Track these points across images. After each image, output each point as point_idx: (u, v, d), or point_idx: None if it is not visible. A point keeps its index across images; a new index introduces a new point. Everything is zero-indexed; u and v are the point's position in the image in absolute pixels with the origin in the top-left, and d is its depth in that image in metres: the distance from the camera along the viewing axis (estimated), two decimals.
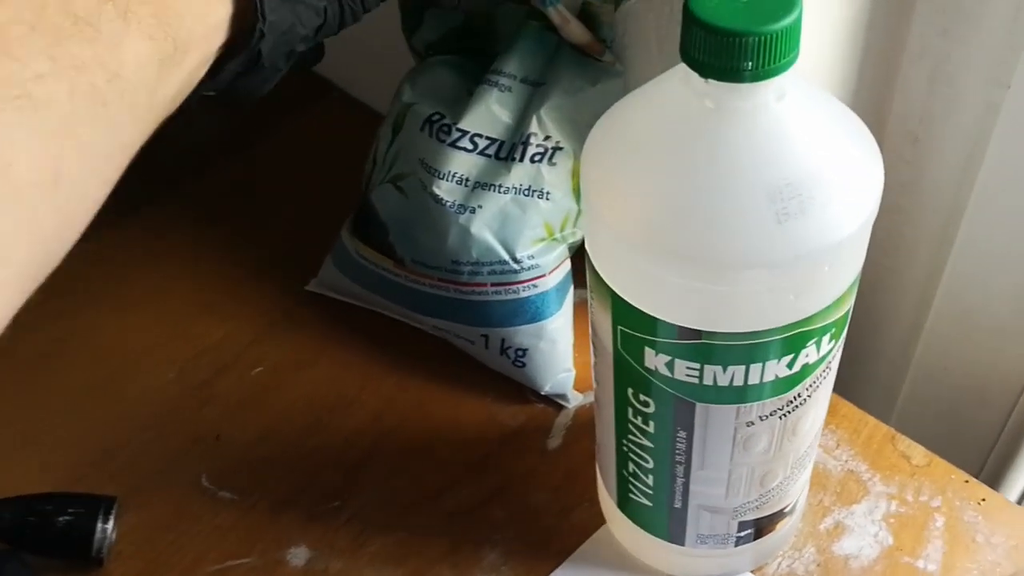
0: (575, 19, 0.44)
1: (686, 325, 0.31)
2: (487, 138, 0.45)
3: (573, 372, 0.48)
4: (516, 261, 0.45)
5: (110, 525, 0.43)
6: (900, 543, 0.43)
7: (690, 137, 0.29)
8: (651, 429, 0.35)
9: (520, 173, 0.45)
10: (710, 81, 0.28)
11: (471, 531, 0.44)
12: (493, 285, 0.46)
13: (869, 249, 0.53)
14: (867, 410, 0.47)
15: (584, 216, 0.33)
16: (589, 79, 0.45)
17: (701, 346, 0.31)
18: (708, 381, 0.32)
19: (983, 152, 0.47)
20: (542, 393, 0.48)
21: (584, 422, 0.47)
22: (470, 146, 0.46)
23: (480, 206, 0.45)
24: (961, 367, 0.55)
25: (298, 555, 0.44)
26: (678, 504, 0.38)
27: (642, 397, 0.34)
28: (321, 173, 0.59)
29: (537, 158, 0.45)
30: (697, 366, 0.32)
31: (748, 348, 0.31)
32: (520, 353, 0.47)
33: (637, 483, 0.38)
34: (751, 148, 0.28)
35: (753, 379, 0.32)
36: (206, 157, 0.60)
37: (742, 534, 0.39)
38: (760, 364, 0.31)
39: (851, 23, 0.45)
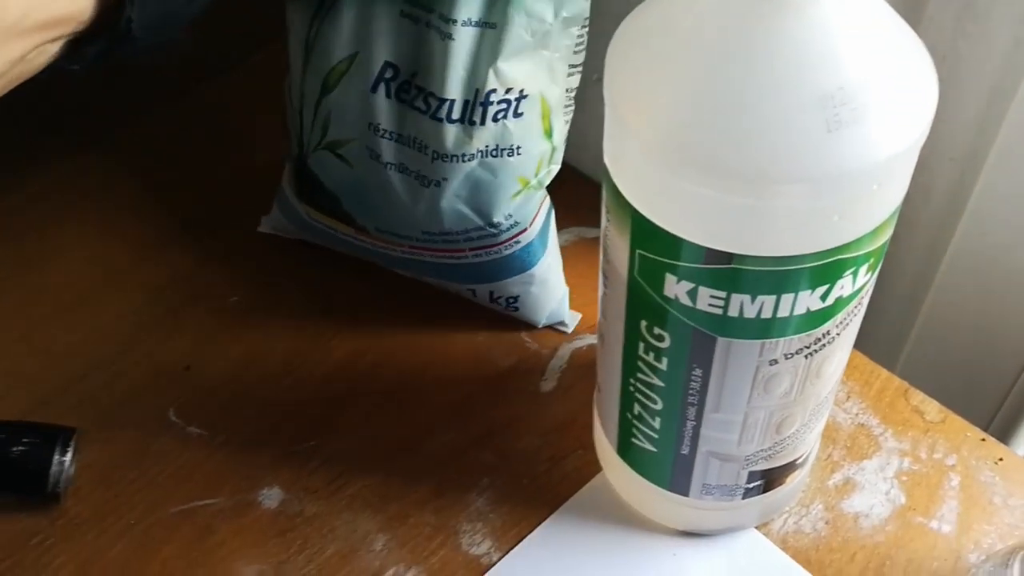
0: None
1: (715, 247, 0.28)
2: (438, 99, 0.38)
3: (567, 291, 0.46)
4: (493, 226, 0.41)
5: (68, 458, 0.40)
6: (913, 502, 0.40)
7: (732, 31, 0.25)
8: (663, 367, 0.32)
9: (485, 136, 0.39)
10: None
11: (457, 476, 0.42)
12: (472, 250, 0.42)
13: None
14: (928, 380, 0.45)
15: (607, 125, 0.29)
16: (551, 6, 0.38)
17: (730, 271, 0.28)
18: (733, 312, 0.29)
19: (1014, 88, 0.44)
20: (540, 327, 0.46)
21: (580, 364, 0.45)
22: (424, 107, 0.39)
23: (444, 179, 0.39)
24: (973, 317, 0.53)
25: (271, 496, 0.41)
26: (685, 450, 0.35)
27: (656, 331, 0.31)
28: None
29: (500, 115, 0.39)
30: (723, 295, 0.29)
31: (781, 275, 0.28)
32: (511, 300, 0.45)
33: (642, 426, 0.35)
34: (800, 46, 0.25)
35: (783, 311, 0.29)
36: (184, 79, 0.56)
37: (751, 486, 0.36)
38: (792, 295, 0.29)
39: None
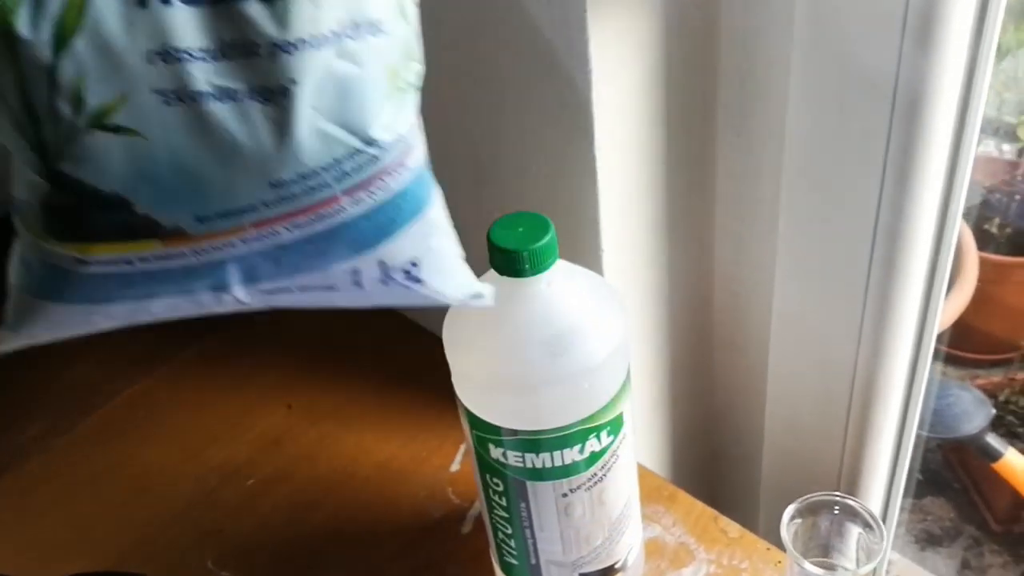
0: None
1: (509, 427, 0.48)
2: None
3: (463, 254, 0.38)
4: (373, 144, 0.31)
5: None
6: None
7: (499, 311, 0.47)
8: (504, 503, 0.52)
9: (336, 6, 0.28)
10: (505, 276, 0.46)
11: None
12: (346, 193, 0.32)
13: (721, 377, 0.71)
14: (736, 509, 0.63)
15: (451, 368, 0.50)
16: None
17: (520, 440, 0.48)
18: (530, 465, 0.49)
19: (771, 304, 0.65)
20: (455, 304, 0.37)
21: None
22: None
23: (293, 81, 0.29)
24: (794, 471, 0.71)
25: None
26: (533, 560, 0.54)
27: (494, 480, 0.51)
28: None
29: None
30: (521, 454, 0.49)
31: (551, 440, 0.48)
32: (412, 268, 0.34)
33: (506, 547, 0.54)
34: (532, 314, 0.46)
35: (558, 462, 0.49)
36: None
37: None
38: (561, 451, 0.48)
39: (654, 214, 0.64)
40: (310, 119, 0.29)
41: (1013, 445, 1.06)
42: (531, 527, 0.52)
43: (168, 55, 0.27)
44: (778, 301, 0.63)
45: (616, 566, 0.55)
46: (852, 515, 0.43)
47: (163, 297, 0.32)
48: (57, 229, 0.30)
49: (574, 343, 0.46)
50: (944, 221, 0.54)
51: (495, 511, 0.53)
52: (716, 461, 0.79)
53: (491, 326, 0.47)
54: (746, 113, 0.59)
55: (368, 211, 0.32)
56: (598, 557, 0.54)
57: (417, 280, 0.35)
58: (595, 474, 0.50)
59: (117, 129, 0.28)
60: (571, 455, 0.49)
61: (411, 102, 0.33)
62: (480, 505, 0.56)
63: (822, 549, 0.46)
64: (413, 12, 0.32)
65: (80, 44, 0.27)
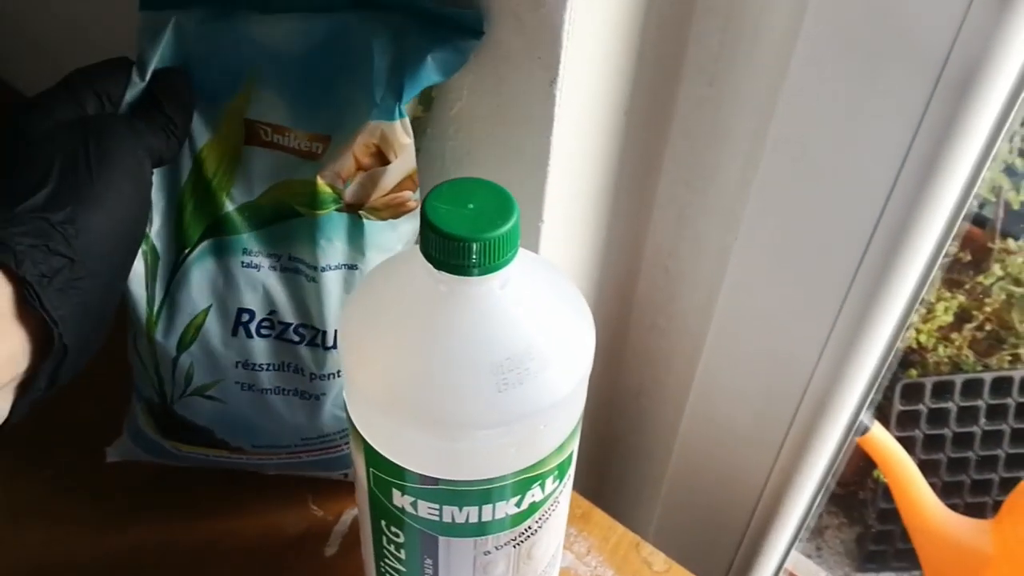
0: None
1: (426, 473, 0.35)
2: (314, 329, 0.43)
3: None
4: None
5: None
6: None
7: (426, 316, 0.33)
8: (403, 555, 0.39)
9: None
10: (443, 272, 0.32)
11: None
12: (347, 442, 0.46)
13: (633, 359, 0.60)
14: (629, 517, 0.53)
15: (343, 377, 0.37)
16: (397, 240, 0.43)
17: (439, 491, 0.35)
18: (448, 519, 0.36)
19: (720, 284, 0.54)
20: None
21: (358, 531, 0.51)
22: (297, 338, 0.44)
23: (323, 393, 0.45)
24: (710, 467, 0.62)
25: None
26: None
27: (393, 529, 0.38)
28: None
29: None
30: (437, 506, 0.36)
31: (480, 492, 0.35)
32: None
33: None
34: (477, 329, 0.33)
35: (487, 516, 0.36)
36: None
37: None
38: (492, 505, 0.36)
39: (603, 176, 0.51)
40: (330, 410, 0.46)
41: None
42: None
43: (247, 364, 0.44)
44: (729, 285, 0.53)
45: None
46: None
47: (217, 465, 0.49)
48: (164, 431, 0.47)
49: (531, 371, 0.33)
50: (953, 224, 0.45)
51: (386, 560, 0.40)
52: (612, 452, 0.69)
53: (415, 337, 0.34)
54: (726, 58, 0.47)
55: None
56: None
57: None
58: (529, 528, 0.38)
59: (211, 398, 0.45)
60: (505, 508, 0.36)
61: None
62: (362, 542, 0.43)
63: None
64: None
65: (194, 348, 0.44)
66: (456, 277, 0.32)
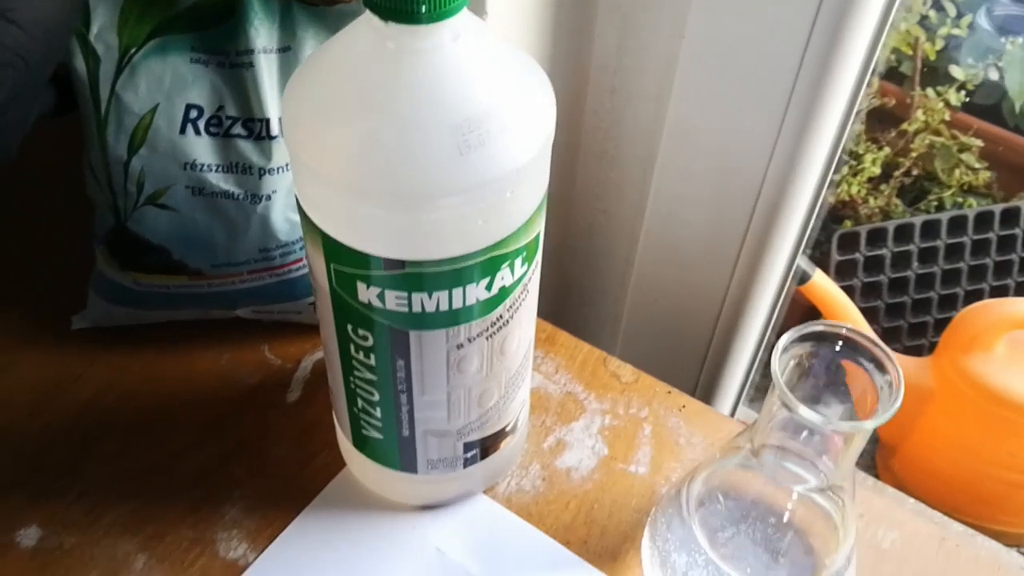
0: None
1: (390, 256, 0.33)
2: (257, 120, 0.43)
3: None
4: None
5: None
6: (614, 452, 0.47)
7: (378, 79, 0.31)
8: (373, 362, 0.37)
9: None
10: (391, 24, 0.30)
11: (211, 491, 0.45)
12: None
13: (583, 194, 0.58)
14: (595, 343, 0.52)
15: (292, 166, 0.34)
16: (331, 28, 0.43)
17: (407, 275, 0.33)
18: (417, 308, 0.35)
19: (668, 96, 0.53)
20: None
21: (321, 372, 0.49)
22: (244, 132, 0.43)
23: (273, 191, 0.44)
24: (668, 294, 0.62)
25: (28, 535, 0.43)
26: (406, 432, 0.40)
27: (361, 332, 0.36)
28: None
29: None
30: (405, 295, 0.34)
31: (448, 274, 0.34)
32: None
33: (368, 418, 0.40)
34: (431, 86, 0.31)
35: (457, 303, 0.35)
36: None
37: (468, 455, 0.42)
38: (461, 288, 0.34)
39: None
40: (282, 212, 0.45)
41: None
42: (408, 391, 0.38)
43: (195, 165, 0.43)
44: (676, 99, 0.51)
45: (507, 429, 0.43)
46: (860, 352, 0.34)
47: (186, 309, 0.49)
48: (122, 261, 0.47)
49: (492, 132, 0.31)
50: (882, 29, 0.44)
51: (356, 374, 0.38)
52: (571, 286, 0.68)
53: (364, 102, 0.31)
54: None
55: None
56: (488, 421, 0.41)
57: None
58: (500, 316, 0.37)
59: (162, 206, 0.44)
60: (475, 293, 0.35)
61: None
62: (325, 366, 0.41)
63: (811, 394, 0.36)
64: None
65: (144, 151, 0.43)
66: (404, 27, 0.30)
